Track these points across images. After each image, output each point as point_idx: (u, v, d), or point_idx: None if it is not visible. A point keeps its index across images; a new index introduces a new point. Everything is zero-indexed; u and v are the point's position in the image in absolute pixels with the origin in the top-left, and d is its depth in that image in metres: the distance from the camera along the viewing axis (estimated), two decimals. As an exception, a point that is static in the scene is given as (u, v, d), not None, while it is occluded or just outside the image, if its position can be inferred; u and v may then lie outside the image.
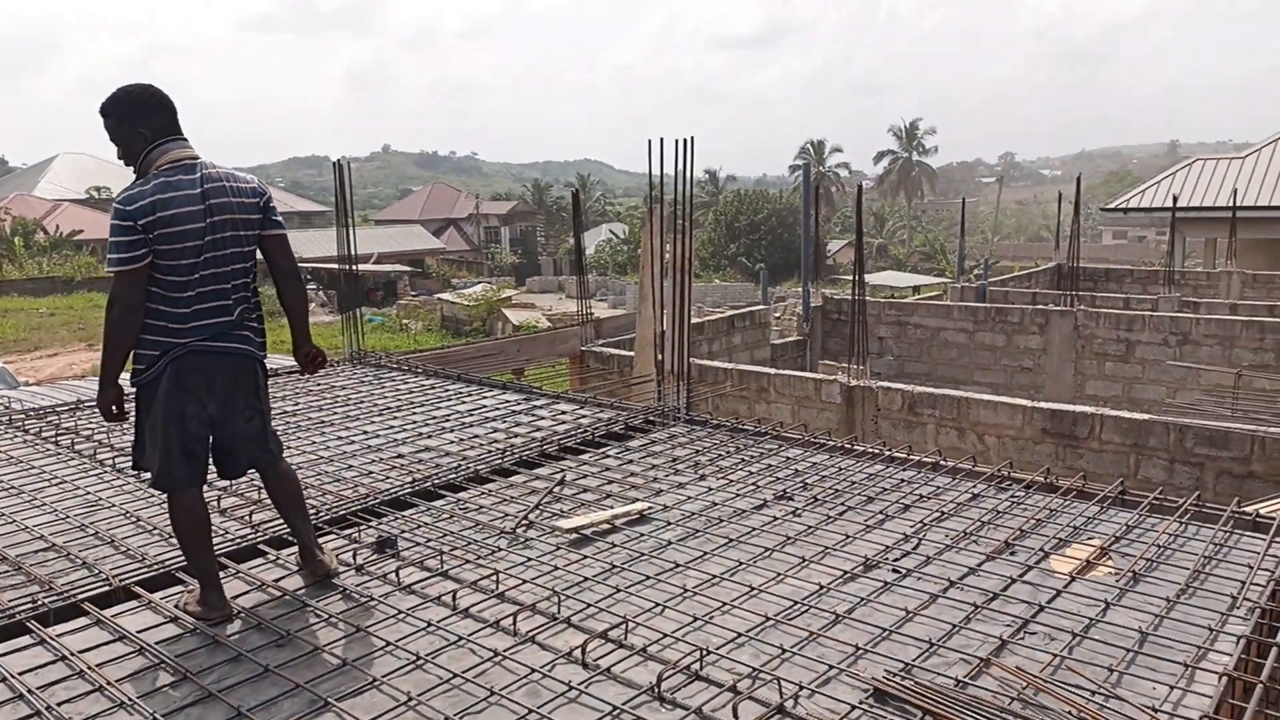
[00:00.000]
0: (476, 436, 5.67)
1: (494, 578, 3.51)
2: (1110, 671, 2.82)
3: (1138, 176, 61.95)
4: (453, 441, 5.55)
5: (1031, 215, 77.62)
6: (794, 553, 3.77)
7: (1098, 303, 14.68)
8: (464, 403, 6.59)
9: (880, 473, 4.82)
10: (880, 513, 4.21)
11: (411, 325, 32.24)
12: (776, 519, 4.16)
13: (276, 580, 3.56)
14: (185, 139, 3.21)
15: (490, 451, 5.29)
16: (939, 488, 4.57)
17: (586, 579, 3.55)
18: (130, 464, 3.39)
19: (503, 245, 62.21)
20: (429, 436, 5.66)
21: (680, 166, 6.49)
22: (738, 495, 4.49)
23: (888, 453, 5.09)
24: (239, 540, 3.92)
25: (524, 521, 4.16)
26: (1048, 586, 3.44)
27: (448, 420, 6.08)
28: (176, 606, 3.30)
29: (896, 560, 3.68)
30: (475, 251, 58.76)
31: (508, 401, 6.63)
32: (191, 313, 3.11)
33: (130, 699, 2.71)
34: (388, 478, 4.82)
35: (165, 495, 3.28)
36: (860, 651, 2.95)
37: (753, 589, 3.42)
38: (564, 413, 6.27)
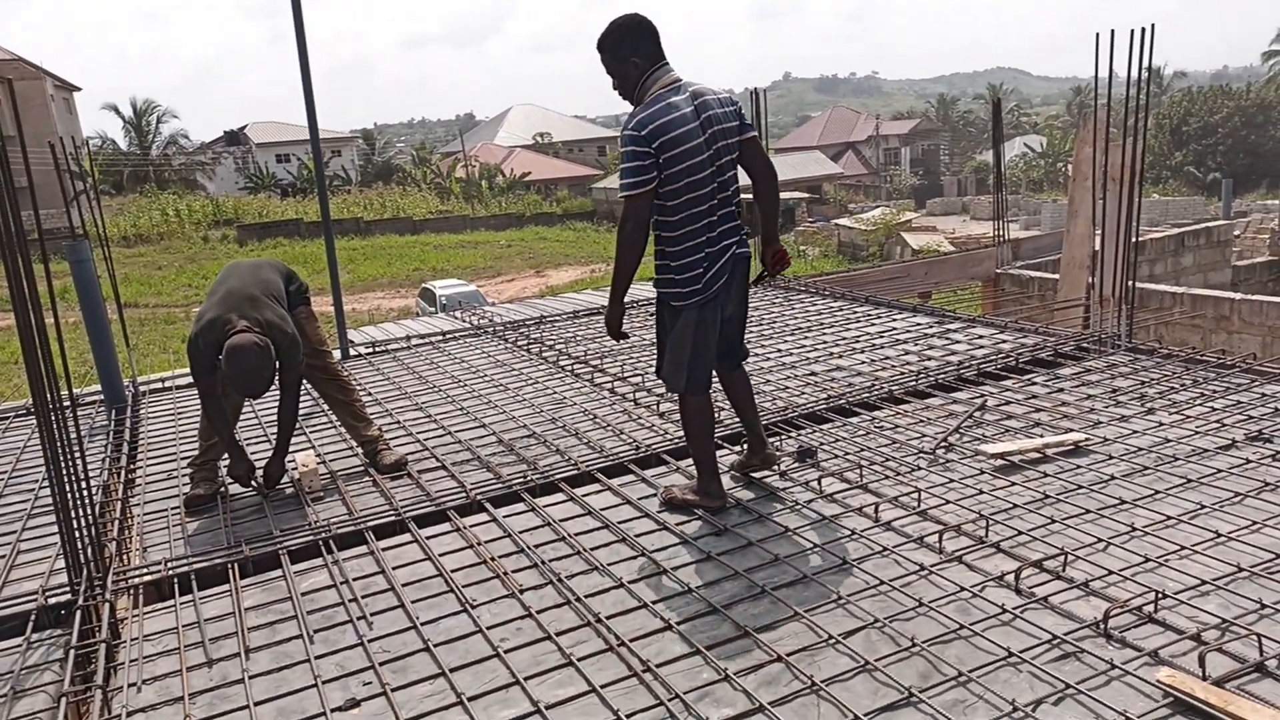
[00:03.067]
0: (888, 358, 5.63)
1: (915, 495, 3.51)
2: None
3: None
4: (864, 362, 5.58)
5: None
6: (1274, 500, 3.25)
7: None
8: (873, 325, 6.57)
9: (1400, 418, 3.93)
10: (1400, 465, 3.45)
11: (809, 251, 32.58)
12: (1249, 462, 3.60)
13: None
14: (669, 63, 3.30)
15: (903, 373, 5.23)
16: None
17: (1016, 506, 3.41)
18: (655, 371, 3.62)
19: (902, 166, 59.77)
20: (840, 356, 5.75)
21: (1133, 64, 5.68)
22: (1196, 433, 3.96)
23: None
24: (645, 450, 4.34)
25: (944, 443, 4.08)
26: None
27: (858, 341, 6.11)
28: (665, 501, 3.64)
29: None
30: (873, 174, 57.19)
31: (919, 324, 6.47)
32: (708, 227, 3.27)
33: (603, 564, 3.20)
34: (803, 393, 5.01)
35: (677, 396, 3.50)
36: (1371, 621, 2.49)
37: (1219, 535, 3.03)
38: (981, 337, 5.97)
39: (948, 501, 3.49)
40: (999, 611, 2.70)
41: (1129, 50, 5.40)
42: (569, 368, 5.90)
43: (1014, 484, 3.61)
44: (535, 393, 5.42)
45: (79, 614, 3.01)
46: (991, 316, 7.04)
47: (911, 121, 66.93)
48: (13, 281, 2.80)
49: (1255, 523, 3.10)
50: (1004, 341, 5.79)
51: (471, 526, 3.61)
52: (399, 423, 5.06)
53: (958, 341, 5.89)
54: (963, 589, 2.84)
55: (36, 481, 4.58)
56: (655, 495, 3.76)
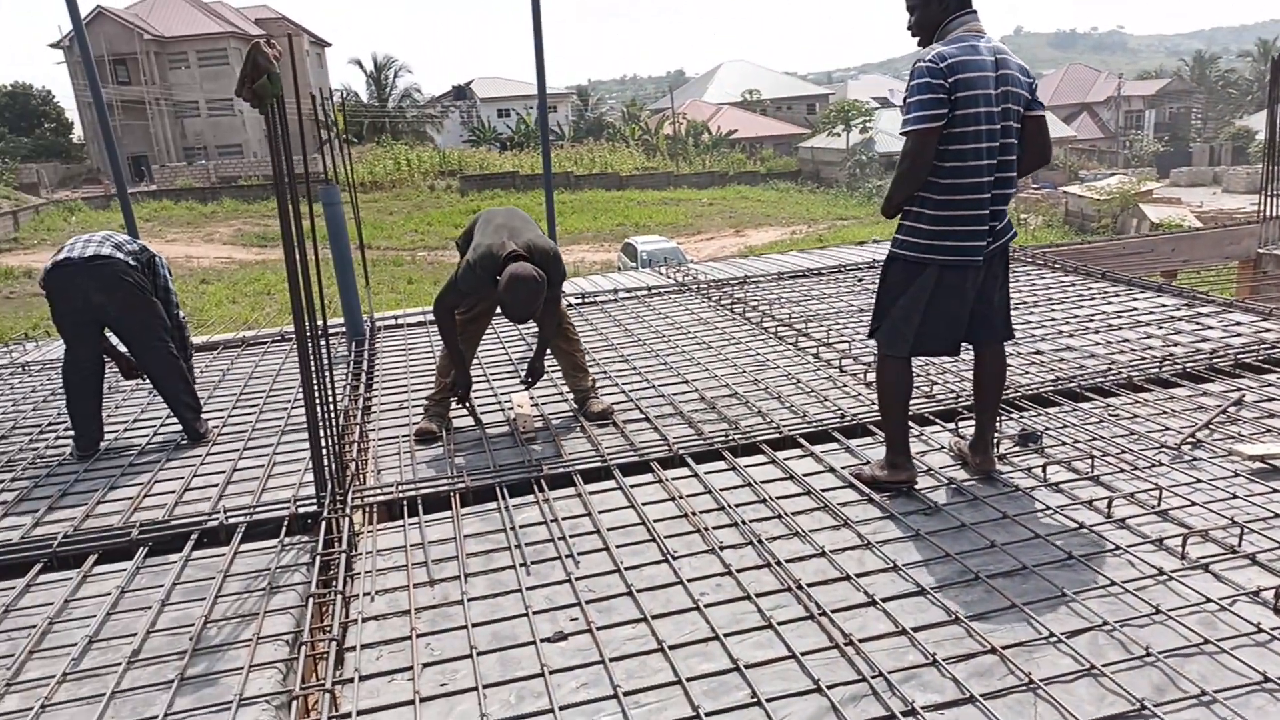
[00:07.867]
0: (1126, 340, 5.15)
1: (1155, 493, 3.21)
2: None
3: None
4: (1098, 343, 5.13)
5: None
6: None
7: None
8: (1109, 303, 6.03)
9: None
10: None
11: (1030, 220, 30.40)
12: None
13: (920, 454, 3.74)
14: (976, 13, 3.14)
15: (1145, 358, 4.77)
16: None
17: (1276, 515, 3.04)
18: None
19: (1145, 131, 54.16)
20: (1070, 335, 5.33)
21: None
22: None
23: None
24: (850, 419, 4.19)
25: (1190, 438, 3.69)
26: None
27: (1091, 320, 5.63)
28: (856, 476, 3.52)
29: None
30: (1110, 139, 52.28)
31: (1164, 305, 5.87)
32: (976, 188, 3.06)
33: (804, 530, 3.15)
34: (1027, 373, 4.68)
35: (879, 356, 3.38)
36: None
37: None
38: (1238, 324, 5.34)
39: (1193, 504, 3.16)
40: (1253, 630, 2.42)
41: None
42: (773, 330, 5.83)
43: (1276, 490, 3.22)
44: (737, 353, 5.40)
45: (323, 524, 3.34)
46: (1252, 302, 6.27)
47: (1160, 82, 60.35)
48: (284, 221, 3.09)
49: None
50: (1268, 330, 5.14)
51: (673, 479, 3.67)
52: (605, 373, 5.21)
53: (1210, 328, 5.30)
54: (1209, 600, 2.58)
55: (289, 401, 5.10)
56: (861, 466, 3.64)
